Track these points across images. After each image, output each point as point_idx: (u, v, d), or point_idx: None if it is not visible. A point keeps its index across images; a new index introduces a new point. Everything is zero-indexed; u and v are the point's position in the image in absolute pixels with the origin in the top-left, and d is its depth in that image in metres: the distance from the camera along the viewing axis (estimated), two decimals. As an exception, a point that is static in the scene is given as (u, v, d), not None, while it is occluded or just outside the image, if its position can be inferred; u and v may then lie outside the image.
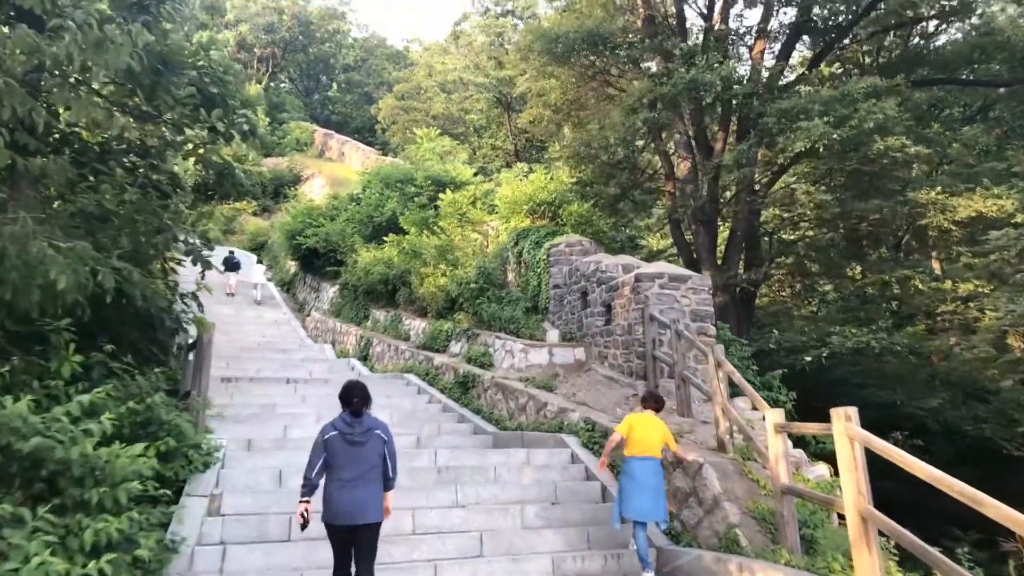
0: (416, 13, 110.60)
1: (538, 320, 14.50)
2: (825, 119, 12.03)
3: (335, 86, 61.31)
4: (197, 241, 8.77)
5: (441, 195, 20.89)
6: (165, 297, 8.45)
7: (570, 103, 17.05)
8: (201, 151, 11.86)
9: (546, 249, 15.05)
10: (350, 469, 5.36)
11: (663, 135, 16.73)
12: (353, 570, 5.45)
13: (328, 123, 55.40)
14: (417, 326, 17.18)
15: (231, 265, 25.66)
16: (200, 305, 9.25)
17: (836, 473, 8.34)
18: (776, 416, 6.90)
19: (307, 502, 5.39)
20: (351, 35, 61.39)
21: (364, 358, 18.37)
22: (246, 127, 11.53)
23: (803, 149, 12.01)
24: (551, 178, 19.27)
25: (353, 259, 21.38)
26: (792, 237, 16.92)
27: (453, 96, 37.36)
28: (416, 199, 21.29)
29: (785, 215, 16.64)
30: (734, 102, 14.26)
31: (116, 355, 6.72)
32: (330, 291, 24.91)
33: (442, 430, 11.30)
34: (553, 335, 13.22)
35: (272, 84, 56.03)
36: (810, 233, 15.72)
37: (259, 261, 31.20)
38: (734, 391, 9.38)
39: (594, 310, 12.35)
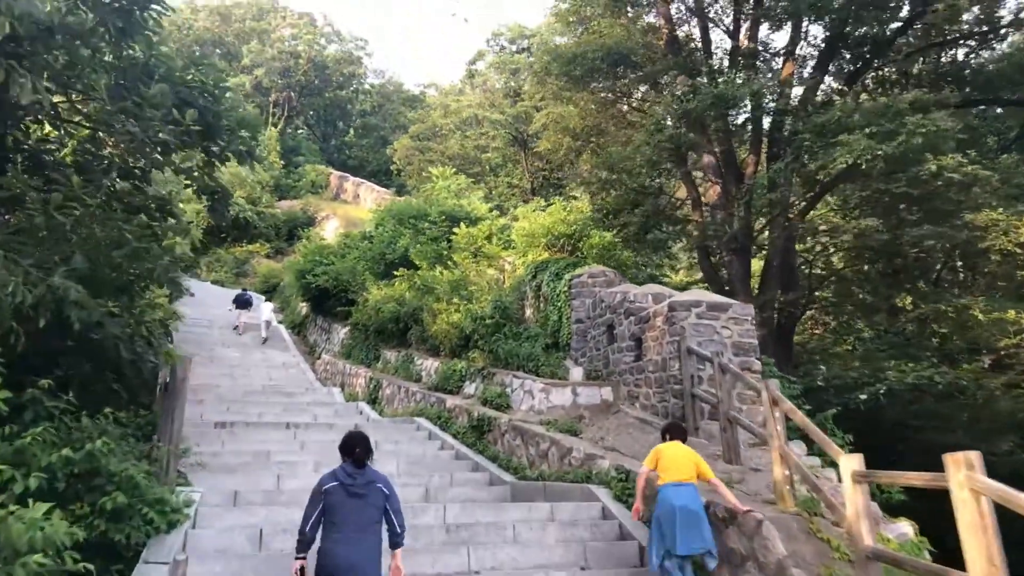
0: (431, 60, 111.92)
1: (559, 357, 13.35)
2: (868, 131, 10.97)
3: (352, 132, 61.38)
4: (166, 259, 7.70)
5: (456, 230, 19.98)
6: (133, 327, 7.40)
7: (589, 129, 16.14)
8: (196, 174, 10.96)
9: (567, 281, 13.97)
10: (350, 523, 5.07)
11: (688, 160, 15.74)
12: None
13: (344, 167, 55.17)
14: (429, 366, 16.06)
15: (242, 303, 25.78)
16: (169, 336, 8.12)
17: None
18: (854, 463, 5.69)
19: (302, 559, 5.11)
20: (367, 81, 61.65)
21: (373, 401, 17.24)
22: (243, 148, 10.65)
23: (845, 165, 10.92)
24: (570, 210, 18.33)
25: (364, 298, 20.40)
26: (829, 269, 15.68)
27: (469, 134, 36.78)
28: (429, 234, 20.36)
29: (823, 242, 15.45)
30: (765, 120, 13.26)
31: (55, 392, 5.67)
32: (341, 332, 23.93)
33: (454, 480, 10.11)
34: (576, 373, 12.05)
35: (288, 129, 56.12)
36: (848, 264, 14.52)
37: (267, 299, 30.35)
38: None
39: (622, 344, 11.20)
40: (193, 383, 19.55)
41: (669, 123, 13.59)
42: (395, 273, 19.05)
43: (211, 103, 9.90)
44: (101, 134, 9.64)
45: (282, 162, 45.86)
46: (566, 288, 13.94)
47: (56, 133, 9.68)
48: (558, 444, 9.58)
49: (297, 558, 5.14)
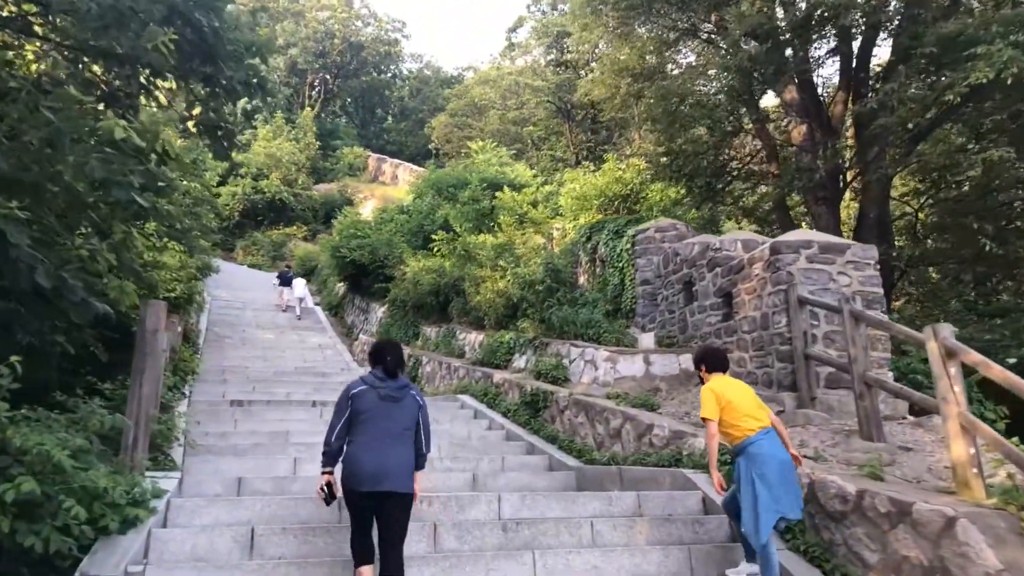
0: (470, 42, 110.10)
1: (622, 325, 11.51)
2: (1012, 39, 8.88)
3: (390, 118, 60.15)
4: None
5: (498, 194, 18.23)
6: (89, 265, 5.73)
7: (650, 70, 14.18)
8: (197, 110, 9.38)
9: (629, 238, 12.11)
10: (381, 428, 4.58)
11: (760, 104, 13.69)
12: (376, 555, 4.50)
13: (383, 152, 53.87)
14: (473, 340, 14.35)
15: (285, 280, 25.35)
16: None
17: None
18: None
19: (329, 473, 4.68)
20: (405, 66, 60.19)
21: (413, 379, 15.61)
22: (251, 77, 9.00)
23: (984, 80, 8.82)
24: (626, 167, 16.43)
25: (401, 272, 18.79)
26: (941, 216, 13.29)
27: (509, 103, 34.90)
28: (469, 204, 18.62)
29: (929, 184, 13.12)
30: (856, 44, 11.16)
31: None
32: (379, 311, 22.42)
33: (506, 464, 8.38)
34: (647, 340, 10.19)
35: (324, 113, 54.96)
36: (965, 211, 12.27)
37: (299, 275, 29.26)
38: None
39: (704, 303, 9.31)
40: (223, 364, 18.42)
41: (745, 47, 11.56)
42: (433, 238, 17.35)
43: (210, 19, 8.28)
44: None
45: (318, 143, 44.49)
46: (628, 246, 12.08)
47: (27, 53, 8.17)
48: (634, 421, 7.75)
49: (323, 472, 4.67)
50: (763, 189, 15.38)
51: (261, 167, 38.74)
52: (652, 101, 13.39)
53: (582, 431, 8.79)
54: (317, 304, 28.64)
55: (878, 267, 7.78)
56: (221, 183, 38.37)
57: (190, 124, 9.78)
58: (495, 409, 10.88)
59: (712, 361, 5.33)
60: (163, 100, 9.64)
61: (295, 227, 38.96)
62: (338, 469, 4.65)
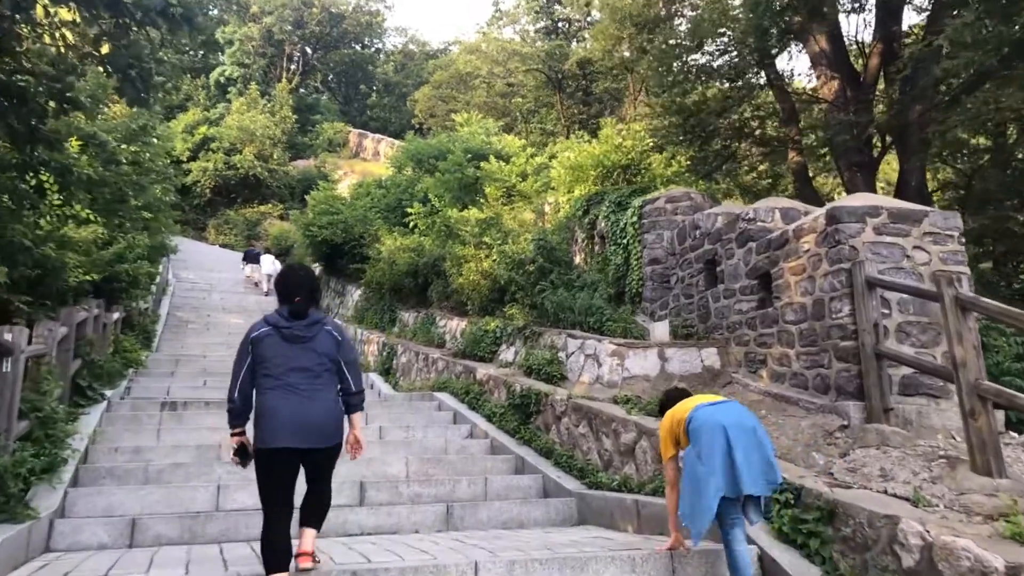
0: (456, 14, 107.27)
1: (627, 311, 9.84)
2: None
3: (374, 94, 58.05)
4: None
5: (483, 164, 16.45)
6: None
7: (655, 19, 12.40)
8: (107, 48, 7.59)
9: (635, 210, 10.40)
10: (294, 373, 3.89)
11: (777, 57, 11.97)
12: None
13: (366, 128, 51.82)
14: (454, 327, 12.65)
15: (252, 257, 25.44)
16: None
17: None
18: None
19: (238, 433, 4.04)
20: (389, 40, 57.99)
21: (387, 371, 13.92)
22: (174, 7, 7.18)
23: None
24: (626, 135, 14.69)
25: (377, 251, 17.01)
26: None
27: (496, 71, 32.94)
28: (451, 172, 16.81)
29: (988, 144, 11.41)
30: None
31: None
32: (355, 294, 20.70)
33: (491, 489, 6.74)
34: (660, 330, 8.51)
35: (304, 89, 52.67)
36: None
37: (268, 251, 27.94)
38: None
39: (733, 286, 7.63)
40: (180, 353, 16.64)
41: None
42: (409, 211, 15.57)
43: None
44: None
45: (295, 117, 42.36)
46: (634, 220, 10.38)
47: None
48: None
49: (233, 434, 4.07)
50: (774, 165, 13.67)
51: (234, 141, 36.63)
52: (662, 48, 11.59)
53: (584, 444, 7.12)
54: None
55: (963, 240, 6.12)
56: (192, 158, 36.42)
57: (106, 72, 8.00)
58: (478, 411, 9.20)
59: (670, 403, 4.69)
60: (70, 38, 7.86)
61: (270, 205, 36.98)
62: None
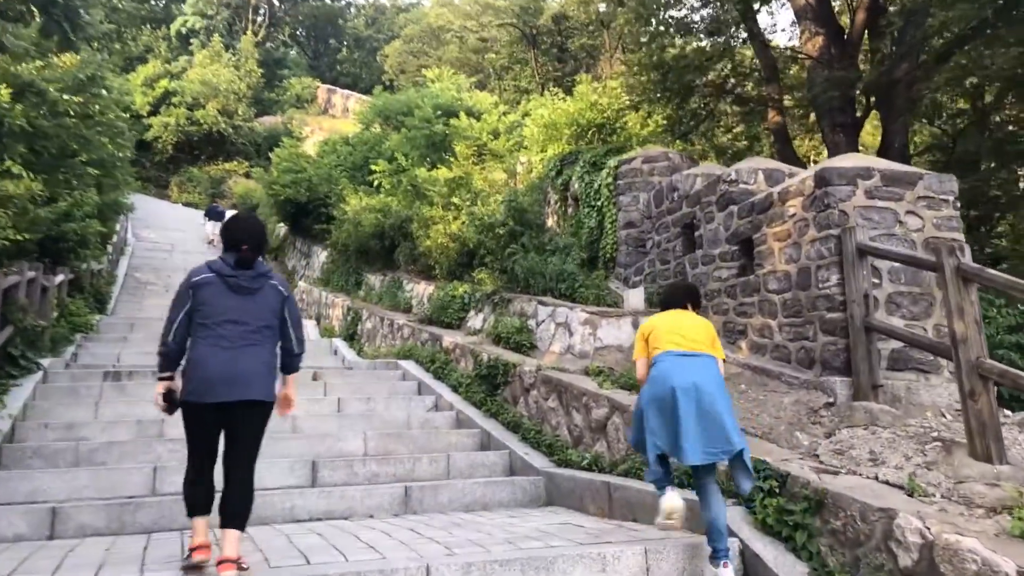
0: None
1: (600, 276, 9.41)
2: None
3: (344, 50, 56.40)
4: None
5: (453, 121, 15.78)
6: None
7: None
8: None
9: (611, 170, 9.91)
10: (231, 326, 3.69)
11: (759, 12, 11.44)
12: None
13: (336, 84, 50.37)
14: (421, 292, 12.15)
15: (215, 214, 24.15)
16: None
17: None
18: None
19: (168, 379, 3.75)
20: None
21: (351, 337, 13.42)
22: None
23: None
24: (602, 91, 14.11)
25: (342, 210, 16.35)
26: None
27: (469, 24, 31.91)
28: (418, 127, 16.12)
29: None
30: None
31: None
32: (321, 255, 20.06)
33: (454, 466, 6.33)
34: (635, 298, 8.08)
35: (270, 43, 50.86)
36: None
37: (234, 209, 27.21)
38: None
39: (712, 252, 7.21)
40: (136, 316, 15.93)
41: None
42: (373, 168, 14.93)
43: None
44: None
45: (261, 71, 40.90)
46: (609, 180, 9.89)
47: None
48: (625, 412, 5.67)
49: (161, 378, 3.75)
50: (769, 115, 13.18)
51: (197, 96, 35.23)
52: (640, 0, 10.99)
53: (553, 419, 6.72)
54: (257, 247, 26.17)
55: (957, 205, 5.73)
56: (153, 113, 35.02)
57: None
58: (444, 381, 8.76)
59: (675, 299, 4.51)
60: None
61: (235, 162, 35.79)
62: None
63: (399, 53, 37.75)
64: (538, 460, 6.32)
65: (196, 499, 3.73)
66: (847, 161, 5.77)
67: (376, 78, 47.17)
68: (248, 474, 3.79)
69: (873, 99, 10.72)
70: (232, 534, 3.57)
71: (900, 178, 5.63)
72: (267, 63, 45.58)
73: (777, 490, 4.20)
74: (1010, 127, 9.94)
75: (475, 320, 9.95)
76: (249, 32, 43.92)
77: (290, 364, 4.01)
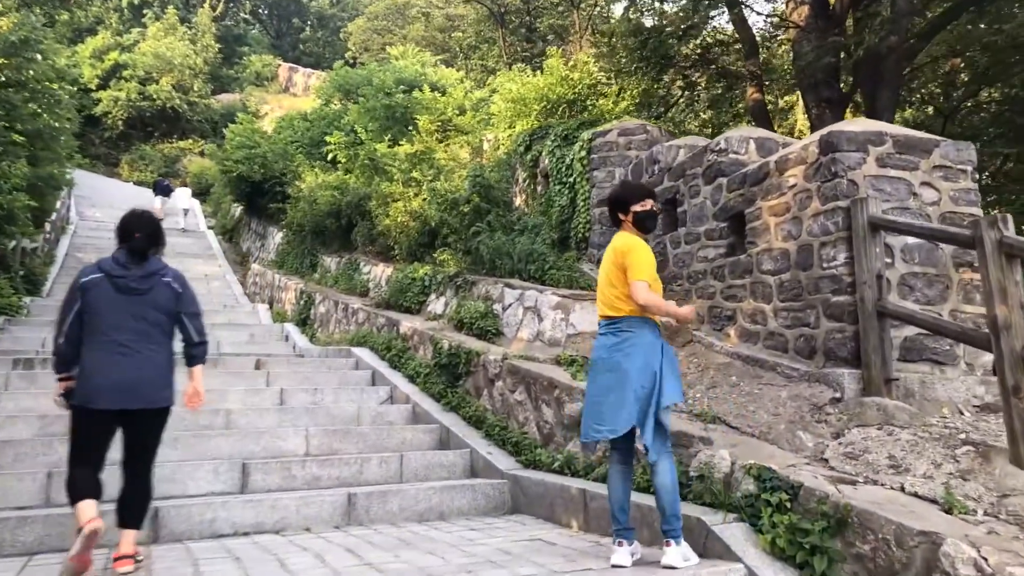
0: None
1: (572, 258, 8.70)
2: None
3: (308, 29, 54.86)
4: None
5: (416, 93, 14.90)
6: None
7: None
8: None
9: (584, 144, 9.18)
10: (123, 328, 3.63)
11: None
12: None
13: (299, 64, 48.91)
14: (379, 274, 11.33)
15: (162, 189, 23.20)
16: None
17: None
18: None
19: (65, 379, 3.69)
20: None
21: (304, 322, 12.54)
22: None
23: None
24: (573, 65, 13.38)
25: (297, 188, 15.40)
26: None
27: (435, 2, 30.89)
28: (377, 98, 15.20)
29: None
30: None
31: None
32: (277, 237, 19.06)
33: (407, 468, 5.58)
34: (611, 279, 7.36)
35: (230, 19, 49.14)
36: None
37: (185, 186, 26.21)
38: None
39: (697, 229, 6.53)
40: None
41: None
42: (327, 139, 14.02)
43: None
44: None
45: (219, 47, 39.33)
46: (582, 155, 9.17)
47: None
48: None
49: (59, 378, 3.70)
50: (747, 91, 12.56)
51: (150, 70, 33.66)
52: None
53: (520, 414, 6.00)
54: (211, 228, 24.96)
55: (976, 177, 5.11)
56: (102, 86, 33.39)
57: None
58: (401, 371, 7.98)
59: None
60: None
61: (191, 140, 34.35)
62: None
63: (363, 31, 36.56)
64: (503, 461, 5.60)
65: (83, 489, 3.52)
66: (856, 125, 5.10)
67: (340, 57, 45.84)
68: (146, 476, 3.74)
69: (859, 76, 10.14)
70: (129, 534, 3.57)
71: (915, 145, 4.98)
72: (226, 39, 44.02)
73: (788, 504, 3.52)
74: (1002, 106, 9.42)
75: (436, 304, 9.17)
76: (207, 5, 42.16)
77: (193, 355, 3.91)
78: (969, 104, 10.75)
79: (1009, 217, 3.66)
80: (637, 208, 3.72)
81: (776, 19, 10.88)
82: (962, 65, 11.37)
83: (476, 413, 6.42)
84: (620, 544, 3.53)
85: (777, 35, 11.62)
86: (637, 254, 3.59)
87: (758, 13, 11.81)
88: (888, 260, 4.79)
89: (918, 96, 11.56)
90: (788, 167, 5.36)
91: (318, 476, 5.36)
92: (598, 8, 12.96)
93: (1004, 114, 9.16)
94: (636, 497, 3.90)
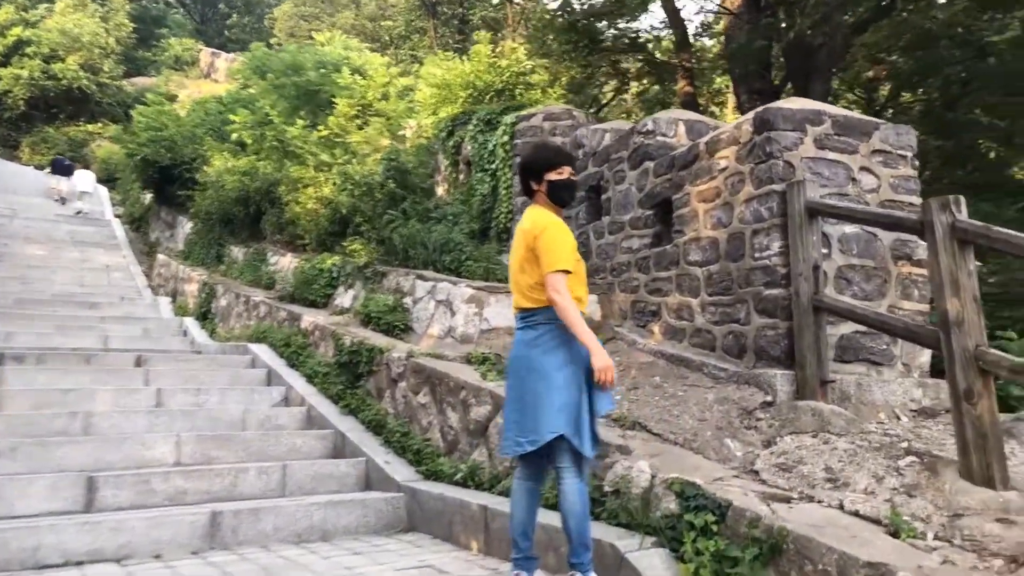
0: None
1: (492, 250, 8.12)
2: None
3: (235, 15, 52.81)
4: None
5: (335, 75, 14.07)
6: None
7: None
8: None
9: (507, 129, 8.63)
10: None
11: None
12: None
13: (224, 50, 46.93)
14: (287, 265, 10.52)
15: (61, 168, 22.55)
16: None
17: None
18: None
19: None
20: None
21: (205, 316, 11.59)
22: None
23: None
24: (501, 51, 12.83)
25: (206, 173, 14.36)
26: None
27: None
28: (287, 75, 14.33)
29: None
30: None
31: None
32: (187, 226, 17.86)
33: (290, 480, 4.88)
34: (530, 272, 6.81)
35: (150, 1, 46.79)
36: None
37: (87, 168, 24.74)
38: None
39: (622, 218, 6.04)
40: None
41: None
42: (232, 117, 13.09)
43: None
44: None
45: (133, 26, 37.28)
46: (505, 140, 8.61)
47: None
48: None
49: None
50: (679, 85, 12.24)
51: (55, 47, 31.51)
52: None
53: (424, 417, 5.37)
54: (118, 216, 23.43)
55: (916, 164, 4.75)
56: (2, 63, 31.10)
57: None
58: (299, 369, 7.24)
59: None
60: None
61: (100, 124, 32.26)
62: None
63: (289, 17, 35.22)
64: (401, 471, 4.97)
65: None
66: (794, 103, 4.67)
67: (266, 44, 44.12)
68: None
69: (791, 68, 9.90)
70: None
71: (855, 126, 4.59)
72: (144, 20, 41.84)
73: (714, 527, 3.01)
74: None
75: (344, 298, 8.45)
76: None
77: None
78: (895, 105, 10.66)
79: (962, 199, 3.24)
80: (553, 176, 3.15)
81: (681, 33, 10.55)
82: (885, 73, 11.33)
83: (376, 417, 5.76)
84: None
85: (712, 27, 11.31)
86: (552, 236, 3.01)
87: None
88: (825, 251, 4.37)
89: (847, 97, 11.45)
90: (720, 148, 4.90)
91: (183, 490, 4.61)
92: (532, 2, 12.49)
93: (934, 111, 9.04)
94: (544, 516, 3.33)
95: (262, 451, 5.40)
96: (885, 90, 11.73)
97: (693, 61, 11.43)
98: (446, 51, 28.53)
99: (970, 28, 7.93)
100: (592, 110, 12.62)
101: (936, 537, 2.82)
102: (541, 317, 3.00)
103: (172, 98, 31.13)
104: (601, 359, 2.87)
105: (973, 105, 8.52)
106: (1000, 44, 7.57)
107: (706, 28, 12.90)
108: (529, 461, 3.04)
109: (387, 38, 31.13)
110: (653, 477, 3.47)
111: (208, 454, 5.22)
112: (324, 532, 4.35)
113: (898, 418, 4.28)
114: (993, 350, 3.10)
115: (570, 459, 2.88)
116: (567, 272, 2.95)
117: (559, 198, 3.17)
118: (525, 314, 3.07)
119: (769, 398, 4.22)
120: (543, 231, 2.98)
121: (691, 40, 11.58)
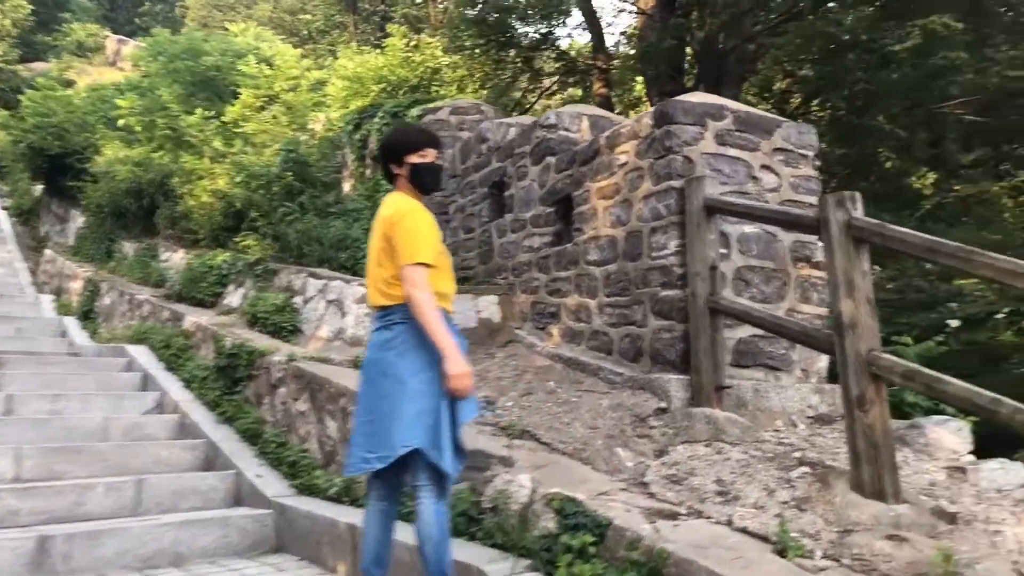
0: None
1: (395, 249, 7.71)
2: None
3: (147, 3, 50.48)
4: None
5: (241, 64, 13.39)
6: None
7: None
8: None
9: (414, 121, 8.26)
10: None
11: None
12: None
13: (134, 37, 44.76)
14: (178, 262, 9.85)
15: None
16: None
17: None
18: None
19: None
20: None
21: (87, 315, 10.74)
22: None
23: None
24: (415, 45, 12.47)
25: (97, 163, 13.41)
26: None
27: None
28: (182, 59, 13.58)
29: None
30: None
31: None
32: (79, 220, 16.74)
33: (146, 497, 4.40)
34: (428, 271, 6.47)
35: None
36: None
37: None
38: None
39: (523, 215, 5.76)
40: None
41: None
42: (119, 103, 12.29)
43: None
44: None
45: (31, 8, 35.09)
46: (411, 134, 8.21)
47: None
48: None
49: None
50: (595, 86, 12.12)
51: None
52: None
53: (302, 427, 4.95)
54: (5, 209, 21.86)
55: (817, 163, 4.64)
56: None
57: None
58: (178, 373, 6.67)
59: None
60: None
61: (-11, 111, 30.15)
62: None
63: (203, 5, 33.79)
64: (274, 486, 4.53)
65: None
66: (695, 97, 4.49)
67: (178, 32, 42.32)
68: None
69: (702, 72, 9.90)
70: None
71: (756, 123, 4.44)
72: (44, 3, 39.40)
73: (593, 548, 2.73)
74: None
75: (233, 296, 7.90)
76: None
77: None
78: (805, 114, 10.82)
79: (858, 195, 3.08)
80: (415, 159, 2.82)
81: (597, 35, 10.46)
82: (793, 82, 11.52)
83: (253, 426, 5.29)
84: None
85: (626, 31, 11.24)
86: (411, 224, 2.67)
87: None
88: (724, 251, 4.18)
89: (761, 107, 11.59)
90: (620, 142, 4.68)
91: (15, 511, 4.06)
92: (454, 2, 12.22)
93: (841, 118, 9.15)
94: (404, 533, 2.98)
95: (121, 464, 4.86)
96: (797, 100, 11.97)
97: (609, 63, 11.32)
98: (365, 47, 27.99)
99: (873, 37, 8.05)
100: (515, 114, 12.42)
101: (824, 555, 2.61)
102: (398, 316, 2.66)
103: (69, 84, 29.29)
104: (456, 365, 2.53)
105: (878, 112, 8.66)
106: (901, 53, 7.72)
107: (629, 38, 12.87)
108: (383, 479, 2.69)
109: (306, 32, 30.22)
110: (533, 492, 3.18)
111: (53, 468, 4.64)
112: (176, 556, 3.88)
113: (795, 425, 4.13)
114: (886, 355, 2.93)
115: (428, 476, 2.55)
116: (428, 266, 2.61)
117: (422, 183, 2.84)
118: (382, 312, 2.73)
119: (664, 404, 4.00)
120: (402, 218, 2.65)
121: (606, 42, 11.46)
